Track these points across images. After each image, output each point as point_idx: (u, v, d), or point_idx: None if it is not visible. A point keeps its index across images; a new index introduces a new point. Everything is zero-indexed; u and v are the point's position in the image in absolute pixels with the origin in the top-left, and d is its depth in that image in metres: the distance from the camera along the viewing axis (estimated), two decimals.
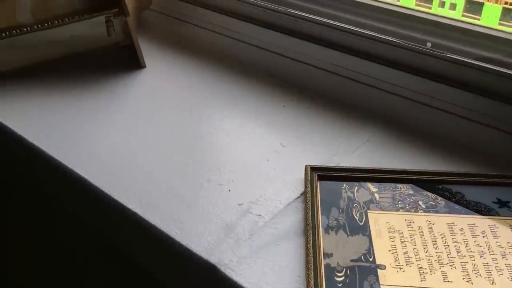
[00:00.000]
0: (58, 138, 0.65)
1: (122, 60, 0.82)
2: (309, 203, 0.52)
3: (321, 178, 0.55)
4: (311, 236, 0.47)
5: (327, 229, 0.49)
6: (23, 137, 0.66)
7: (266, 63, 0.79)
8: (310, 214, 0.50)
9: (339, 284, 0.44)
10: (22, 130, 0.67)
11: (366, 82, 0.69)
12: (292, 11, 0.73)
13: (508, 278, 0.44)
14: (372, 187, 0.54)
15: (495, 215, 0.50)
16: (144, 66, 0.80)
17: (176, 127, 0.68)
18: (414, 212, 0.51)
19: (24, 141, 0.66)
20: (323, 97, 0.72)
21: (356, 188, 0.54)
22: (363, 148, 0.62)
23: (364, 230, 0.49)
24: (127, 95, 0.75)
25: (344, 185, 0.54)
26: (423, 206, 0.51)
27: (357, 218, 0.50)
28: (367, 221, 0.50)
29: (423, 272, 0.44)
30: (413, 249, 0.47)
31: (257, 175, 0.58)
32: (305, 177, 0.56)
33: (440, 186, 0.54)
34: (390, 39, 0.66)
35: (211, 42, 0.84)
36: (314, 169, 0.56)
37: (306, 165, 0.56)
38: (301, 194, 0.55)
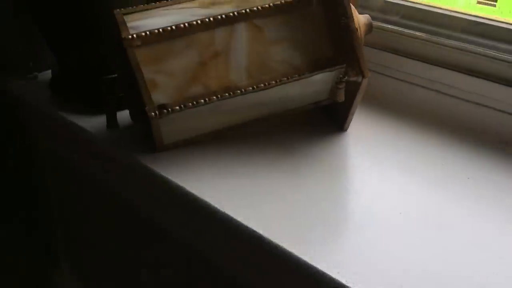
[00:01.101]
0: (245, 202, 0.55)
1: (315, 119, 0.70)
2: None
3: None
4: None
5: None
6: (212, 205, 0.54)
7: (501, 129, 0.65)
8: None
9: None
10: (207, 194, 0.55)
11: None
12: None
13: None
14: None
15: None
16: (346, 129, 0.67)
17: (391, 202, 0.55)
18: None
19: (210, 207, 0.54)
20: None
21: None
22: None
23: None
24: (327, 161, 0.62)
25: None
26: None
27: None
28: None
29: None
30: None
31: None
32: None
33: None
34: None
35: (424, 100, 0.70)
36: None
37: None
38: None
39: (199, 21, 0.55)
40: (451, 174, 0.60)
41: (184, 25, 0.55)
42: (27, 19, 0.77)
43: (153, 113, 0.55)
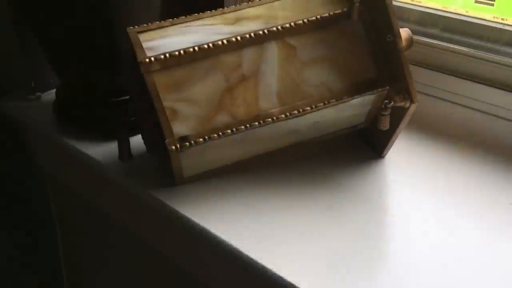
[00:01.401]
0: (271, 244, 0.48)
1: (348, 143, 0.63)
2: None
3: None
4: None
5: None
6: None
7: None
8: None
9: None
10: (229, 235, 0.49)
11: None
12: None
13: None
14: None
15: None
16: (384, 156, 0.61)
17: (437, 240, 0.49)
18: None
19: (233, 250, 0.48)
20: None
21: None
22: None
23: None
24: (364, 193, 0.55)
25: None
26: None
27: None
28: None
29: None
30: None
31: None
32: None
33: None
34: None
35: (467, 121, 0.63)
36: None
37: None
38: None
39: (224, 41, 0.49)
40: (496, 201, 0.54)
41: (208, 45, 0.48)
42: (28, 35, 0.71)
43: (173, 147, 0.48)
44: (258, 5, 0.55)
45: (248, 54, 0.49)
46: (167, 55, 0.47)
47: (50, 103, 0.70)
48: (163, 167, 0.56)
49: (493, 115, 0.62)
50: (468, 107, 0.63)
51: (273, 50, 0.50)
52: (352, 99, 0.52)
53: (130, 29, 0.53)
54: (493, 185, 0.56)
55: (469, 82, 0.63)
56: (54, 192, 0.80)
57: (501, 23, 0.62)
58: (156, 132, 0.51)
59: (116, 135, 0.54)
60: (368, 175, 0.58)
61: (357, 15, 0.49)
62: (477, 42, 0.63)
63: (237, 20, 0.53)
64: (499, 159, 0.60)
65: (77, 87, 0.64)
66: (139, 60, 0.47)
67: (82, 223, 0.78)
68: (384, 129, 0.51)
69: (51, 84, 0.74)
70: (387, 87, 0.52)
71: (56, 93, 0.68)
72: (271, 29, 0.49)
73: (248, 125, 0.49)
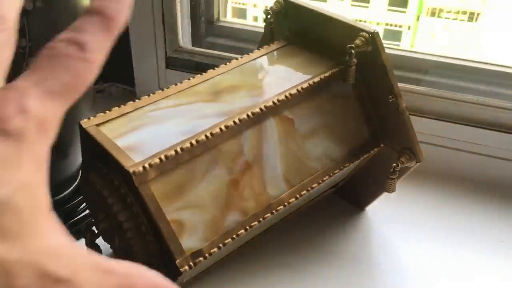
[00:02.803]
0: None
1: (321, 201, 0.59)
2: None
3: None
4: None
5: None
6: None
7: None
8: None
9: None
10: None
11: None
12: None
13: None
14: None
15: None
16: (364, 209, 0.58)
17: None
18: None
19: None
20: None
21: None
22: None
23: None
24: (341, 251, 0.54)
25: None
26: None
27: None
28: None
29: None
30: None
31: None
32: None
33: None
34: None
35: (449, 161, 0.62)
36: None
37: None
38: None
39: (222, 127, 0.40)
40: (485, 240, 0.55)
41: (206, 136, 0.40)
42: None
43: (187, 267, 0.39)
44: (225, 71, 0.48)
45: (248, 137, 0.42)
46: (163, 157, 0.38)
47: None
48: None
49: (473, 152, 0.62)
50: (447, 147, 0.62)
51: (272, 127, 0.43)
52: (353, 165, 0.48)
53: (85, 122, 0.41)
54: (474, 220, 0.57)
55: (445, 123, 0.62)
56: None
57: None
58: (155, 251, 0.40)
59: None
60: (351, 234, 0.56)
61: (353, 78, 0.45)
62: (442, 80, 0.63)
63: (216, 95, 0.45)
64: (478, 195, 0.61)
65: None
66: (130, 171, 0.36)
67: None
68: (392, 192, 0.48)
69: None
70: (381, 145, 0.49)
71: None
72: (268, 104, 0.43)
73: (261, 219, 0.42)
